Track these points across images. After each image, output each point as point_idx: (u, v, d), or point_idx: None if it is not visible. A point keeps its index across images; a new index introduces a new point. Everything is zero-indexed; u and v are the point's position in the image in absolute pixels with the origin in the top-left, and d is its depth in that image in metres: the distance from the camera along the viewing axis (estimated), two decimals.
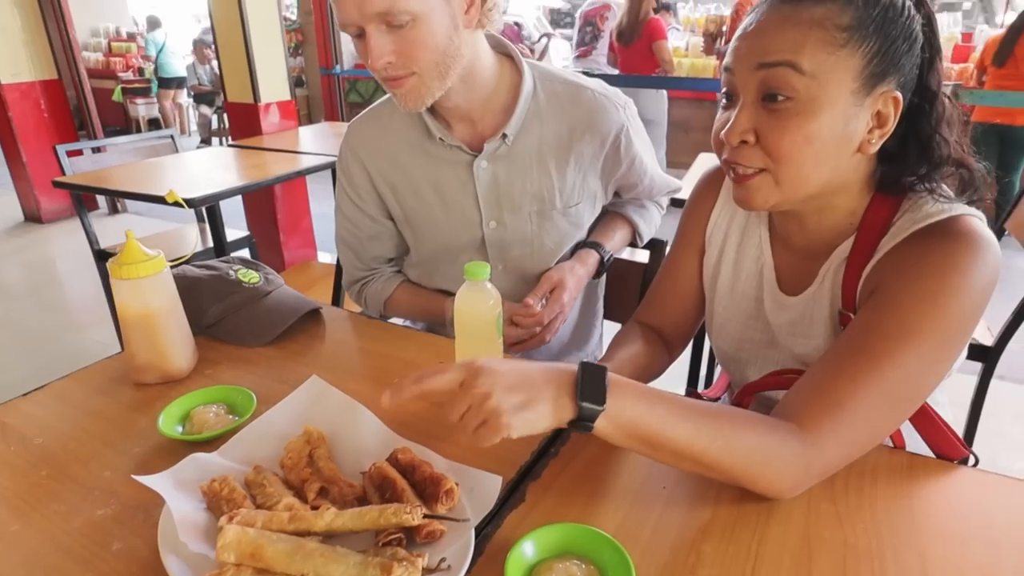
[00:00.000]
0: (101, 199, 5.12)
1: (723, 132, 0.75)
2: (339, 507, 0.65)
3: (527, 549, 0.61)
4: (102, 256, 2.62)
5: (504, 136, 1.12)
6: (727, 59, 0.75)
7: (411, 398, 0.65)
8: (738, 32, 0.75)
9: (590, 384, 0.63)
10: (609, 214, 1.34)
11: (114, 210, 5.13)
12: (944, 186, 0.76)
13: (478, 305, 0.84)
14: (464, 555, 0.60)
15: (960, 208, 0.73)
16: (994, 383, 1.65)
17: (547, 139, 1.15)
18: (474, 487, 0.68)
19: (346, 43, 6.06)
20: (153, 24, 7.88)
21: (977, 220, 0.72)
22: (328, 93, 4.18)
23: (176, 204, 1.28)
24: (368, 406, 0.82)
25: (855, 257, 0.78)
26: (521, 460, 0.77)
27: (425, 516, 0.62)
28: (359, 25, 0.94)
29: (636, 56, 4.49)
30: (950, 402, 0.95)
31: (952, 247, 0.69)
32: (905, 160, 0.75)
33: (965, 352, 0.81)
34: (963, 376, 1.57)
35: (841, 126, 0.70)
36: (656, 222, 1.41)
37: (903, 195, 0.77)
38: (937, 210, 0.73)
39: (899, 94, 0.71)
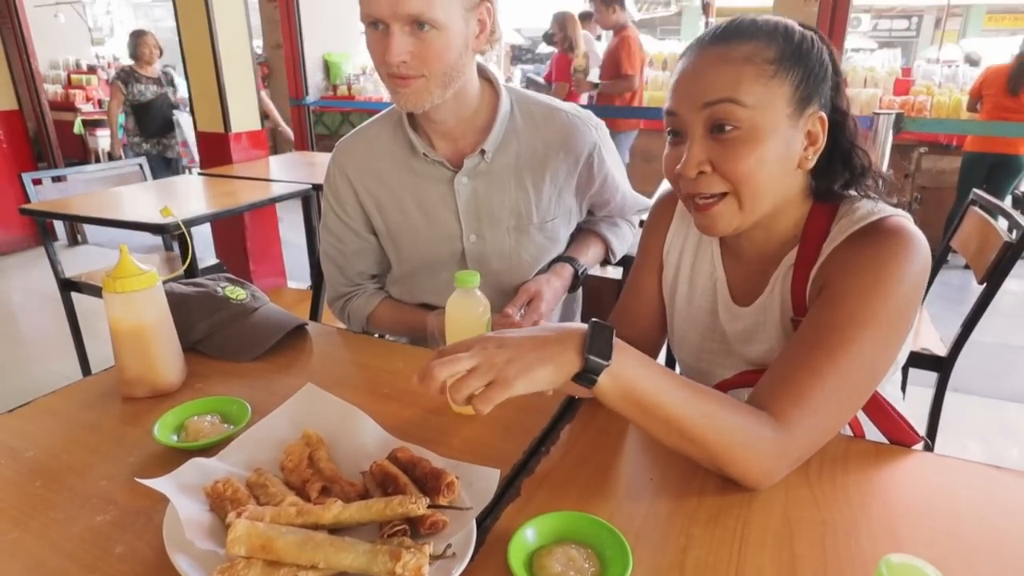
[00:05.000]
0: (61, 230, 5.01)
1: (679, 167, 0.81)
2: None
3: (528, 535, 0.64)
4: (67, 285, 2.58)
5: (483, 152, 1.18)
6: (669, 103, 0.82)
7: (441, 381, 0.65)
8: (675, 76, 0.82)
9: (599, 339, 0.67)
10: (583, 231, 1.40)
11: (74, 241, 5.02)
12: (871, 191, 0.85)
13: (469, 311, 0.87)
14: (467, 543, 0.63)
15: (888, 210, 0.82)
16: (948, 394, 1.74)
17: (524, 156, 1.21)
18: (473, 481, 0.71)
19: (312, 75, 6.11)
20: None
21: (905, 219, 0.80)
22: (298, 123, 4.21)
23: (182, 233, 1.29)
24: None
25: (801, 263, 0.86)
26: (513, 459, 0.80)
27: (429, 507, 0.65)
28: (384, 20, 1.00)
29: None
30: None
31: (885, 243, 0.77)
32: (833, 172, 0.85)
33: (909, 347, 0.88)
34: (920, 389, 1.66)
35: (784, 147, 0.79)
36: (628, 239, 1.47)
37: (837, 202, 0.86)
38: (869, 213, 0.82)
39: (824, 114, 0.80)
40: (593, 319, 0.69)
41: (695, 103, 0.78)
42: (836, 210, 0.85)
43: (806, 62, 0.78)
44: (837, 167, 0.85)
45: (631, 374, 0.68)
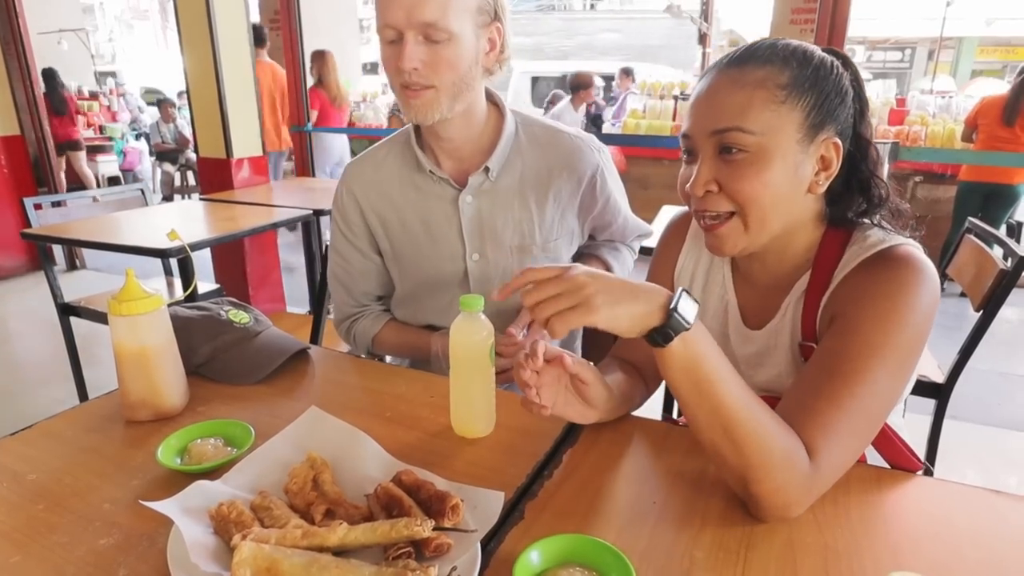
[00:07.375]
0: (59, 255, 5.02)
1: (688, 185, 0.83)
2: None
3: (533, 557, 0.64)
4: (66, 310, 2.57)
5: (487, 169, 1.20)
6: (685, 126, 0.84)
7: (519, 287, 0.71)
8: (692, 98, 0.84)
9: (686, 303, 0.68)
10: (584, 256, 1.42)
11: (72, 266, 5.03)
12: (884, 221, 0.86)
13: (472, 335, 0.88)
14: (472, 566, 0.63)
15: (898, 239, 0.82)
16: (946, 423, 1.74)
17: (527, 176, 1.24)
18: (477, 504, 0.71)
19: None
20: None
21: (914, 247, 0.81)
22: (299, 150, 4.26)
23: (184, 258, 1.30)
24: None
25: (812, 289, 0.86)
26: (517, 482, 0.81)
27: (434, 529, 0.65)
28: (400, 30, 1.04)
29: None
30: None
31: (897, 271, 0.78)
32: (851, 200, 0.86)
33: (916, 375, 0.88)
34: (919, 416, 1.67)
35: (792, 171, 0.80)
36: (629, 265, 1.48)
37: (851, 229, 0.87)
38: (879, 240, 0.82)
39: (839, 141, 0.81)
40: (682, 287, 0.70)
41: (706, 130, 0.80)
42: (849, 236, 0.86)
43: (821, 87, 0.79)
44: (854, 194, 0.85)
45: (702, 349, 0.68)
